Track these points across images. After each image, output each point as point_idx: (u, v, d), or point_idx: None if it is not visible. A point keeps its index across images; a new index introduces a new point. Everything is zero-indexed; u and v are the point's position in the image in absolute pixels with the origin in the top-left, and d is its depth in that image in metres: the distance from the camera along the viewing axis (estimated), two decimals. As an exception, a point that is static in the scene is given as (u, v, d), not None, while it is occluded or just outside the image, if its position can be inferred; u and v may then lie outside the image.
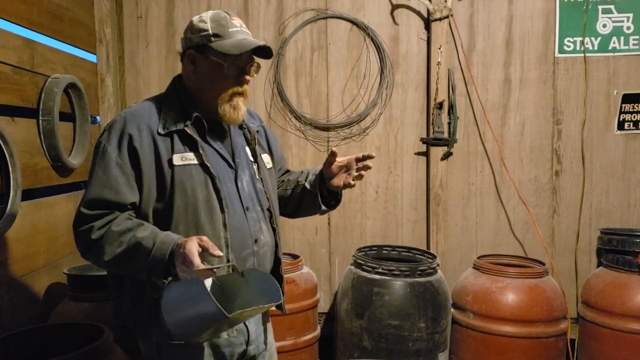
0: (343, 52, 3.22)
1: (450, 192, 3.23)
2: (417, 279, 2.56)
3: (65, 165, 2.54)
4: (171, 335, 1.31)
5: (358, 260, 2.70)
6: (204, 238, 1.27)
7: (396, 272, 2.56)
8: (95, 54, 3.08)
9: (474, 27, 3.20)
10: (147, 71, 3.27)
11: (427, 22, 3.15)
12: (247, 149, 1.61)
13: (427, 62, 3.19)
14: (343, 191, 1.70)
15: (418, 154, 3.24)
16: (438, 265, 2.71)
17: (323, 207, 1.69)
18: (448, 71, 3.13)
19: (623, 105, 3.15)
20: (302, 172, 1.79)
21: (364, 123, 3.24)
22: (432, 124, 3.13)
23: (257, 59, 1.55)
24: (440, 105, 3.10)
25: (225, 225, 1.46)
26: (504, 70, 3.20)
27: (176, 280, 1.29)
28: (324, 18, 3.21)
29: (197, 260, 1.22)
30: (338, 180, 1.62)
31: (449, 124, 3.14)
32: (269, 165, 1.69)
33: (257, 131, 1.66)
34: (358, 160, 1.59)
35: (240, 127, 1.63)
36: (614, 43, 3.15)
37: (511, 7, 3.17)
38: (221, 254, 1.27)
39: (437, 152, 3.14)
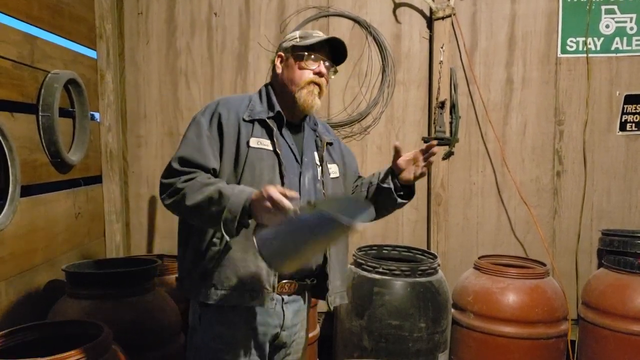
0: (345, 50, 3.20)
1: (451, 192, 3.22)
2: (417, 279, 2.55)
3: (65, 161, 2.52)
4: (268, 266, 1.44)
5: (358, 260, 2.69)
6: (279, 186, 1.38)
7: (396, 272, 2.55)
8: (95, 50, 3.06)
9: (477, 26, 3.18)
10: (147, 68, 3.24)
11: (430, 20, 3.14)
12: (316, 153, 1.77)
13: (429, 61, 3.17)
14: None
15: (419, 153, 3.22)
16: (439, 265, 2.70)
17: (399, 200, 1.74)
18: (450, 70, 3.12)
19: (625, 106, 3.14)
20: (372, 174, 1.88)
21: (365, 122, 3.22)
22: (434, 123, 3.12)
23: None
24: (442, 105, 3.08)
25: None
26: (506, 70, 3.19)
27: (259, 226, 1.40)
28: (325, 16, 3.19)
29: (287, 201, 1.33)
30: (407, 174, 1.69)
31: (451, 123, 3.13)
32: (334, 175, 1.80)
33: (330, 143, 1.83)
34: (423, 152, 1.67)
35: (314, 132, 1.79)
36: (617, 44, 3.14)
37: (514, 7, 3.16)
38: (296, 194, 1.38)
39: (439, 151, 3.12)
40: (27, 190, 2.29)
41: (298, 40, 1.70)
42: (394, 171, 1.72)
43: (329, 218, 1.23)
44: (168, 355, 2.20)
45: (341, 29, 3.20)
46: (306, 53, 1.67)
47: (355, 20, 3.18)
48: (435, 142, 1.68)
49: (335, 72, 1.76)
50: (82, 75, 2.74)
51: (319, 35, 1.70)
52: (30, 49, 2.32)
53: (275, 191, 1.35)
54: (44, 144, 2.39)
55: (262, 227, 1.40)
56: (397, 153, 1.68)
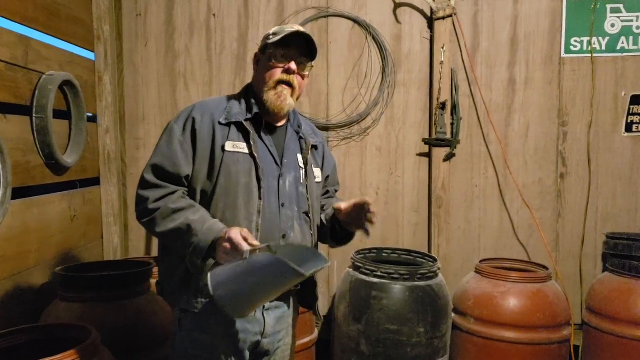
0: (344, 51, 3.17)
1: (452, 194, 3.17)
2: (416, 283, 2.50)
3: (60, 163, 2.51)
4: (221, 308, 1.37)
5: (356, 263, 2.65)
6: (244, 230, 1.39)
7: (395, 276, 2.50)
8: (93, 52, 3.05)
9: (478, 26, 3.14)
10: (146, 69, 3.23)
11: (430, 21, 3.09)
12: (300, 156, 1.72)
13: (430, 61, 3.13)
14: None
15: (420, 154, 3.18)
16: (439, 268, 2.65)
17: (331, 242, 1.80)
18: (451, 71, 3.07)
19: (631, 106, 3.08)
20: (331, 203, 1.87)
21: (364, 123, 3.19)
22: (435, 124, 3.08)
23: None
24: (443, 106, 3.04)
25: (259, 212, 1.57)
26: (508, 70, 3.13)
27: (219, 264, 1.41)
28: (325, 16, 3.16)
29: (245, 244, 1.33)
30: (348, 226, 1.67)
31: (452, 124, 3.09)
32: (318, 179, 1.78)
33: (315, 146, 1.78)
34: (357, 205, 1.59)
35: (298, 133, 1.74)
36: (623, 43, 3.08)
37: (516, 6, 3.11)
38: (257, 243, 1.37)
39: (440, 153, 3.08)
40: (20, 192, 2.28)
41: (271, 37, 1.63)
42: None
43: (281, 263, 1.24)
44: (160, 358, 2.17)
45: (341, 30, 3.17)
46: (274, 50, 1.61)
47: (355, 21, 3.15)
48: (370, 200, 1.54)
49: (311, 67, 1.69)
50: (79, 77, 2.73)
51: (290, 29, 1.63)
52: (24, 51, 2.31)
53: (236, 233, 1.36)
54: (38, 146, 2.38)
55: (218, 267, 1.39)
56: (338, 211, 1.62)
